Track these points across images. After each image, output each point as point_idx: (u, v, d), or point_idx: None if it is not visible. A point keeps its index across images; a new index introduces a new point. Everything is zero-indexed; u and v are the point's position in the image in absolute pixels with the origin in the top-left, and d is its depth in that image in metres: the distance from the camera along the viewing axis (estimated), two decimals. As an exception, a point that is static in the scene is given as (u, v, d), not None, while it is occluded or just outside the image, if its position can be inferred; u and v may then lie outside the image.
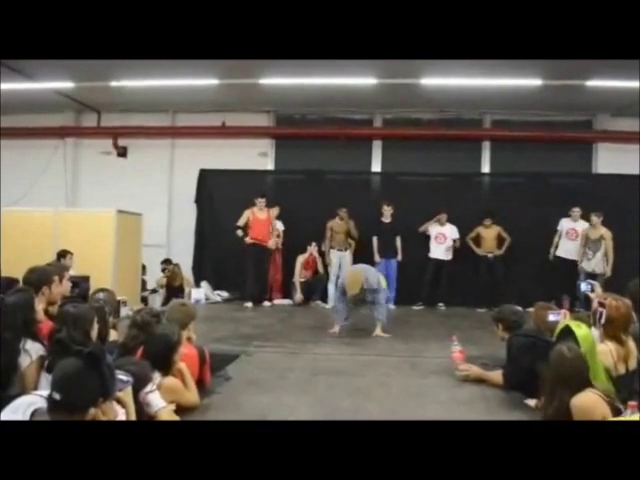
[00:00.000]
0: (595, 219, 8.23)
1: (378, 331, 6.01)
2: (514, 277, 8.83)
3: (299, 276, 8.95)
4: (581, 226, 8.52)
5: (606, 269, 8.09)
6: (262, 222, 8.54)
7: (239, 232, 8.38)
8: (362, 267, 6.39)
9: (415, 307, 8.67)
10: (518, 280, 8.75)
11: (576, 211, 8.54)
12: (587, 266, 8.26)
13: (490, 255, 8.86)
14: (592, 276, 8.06)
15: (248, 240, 8.36)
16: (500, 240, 8.92)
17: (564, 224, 8.69)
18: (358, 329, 6.35)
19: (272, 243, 8.65)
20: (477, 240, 8.98)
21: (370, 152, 10.20)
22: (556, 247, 8.69)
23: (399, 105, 9.76)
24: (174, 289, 8.74)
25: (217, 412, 3.28)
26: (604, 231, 8.19)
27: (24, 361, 2.83)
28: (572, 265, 8.43)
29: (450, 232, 8.94)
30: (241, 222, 8.44)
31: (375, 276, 6.15)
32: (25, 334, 2.91)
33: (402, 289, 8.64)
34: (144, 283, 8.80)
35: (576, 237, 8.53)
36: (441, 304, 8.84)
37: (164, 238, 10.21)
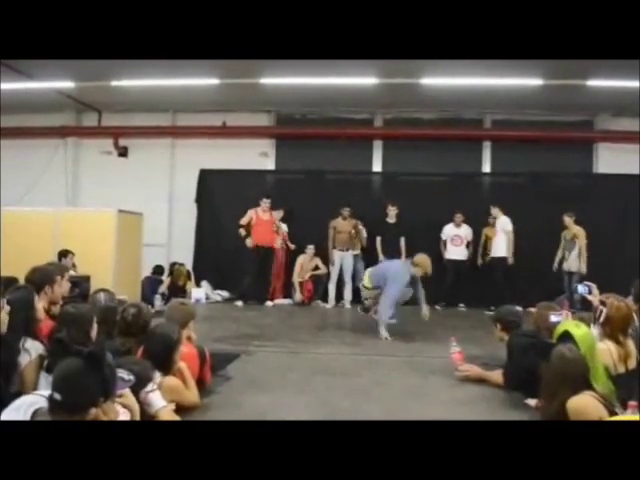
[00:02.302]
0: (567, 219, 8.27)
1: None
2: (514, 278, 8.82)
3: (299, 276, 8.96)
4: (501, 224, 8.56)
5: (580, 267, 8.06)
6: (265, 223, 8.58)
7: (242, 231, 8.44)
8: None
9: (437, 307, 8.65)
10: (518, 280, 8.73)
11: (495, 210, 8.67)
12: (565, 266, 8.28)
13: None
14: (570, 275, 8.11)
15: (249, 242, 8.42)
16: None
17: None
18: (357, 328, 6.36)
19: (278, 243, 8.74)
20: (485, 242, 9.00)
21: (371, 152, 10.22)
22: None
23: (399, 105, 9.77)
24: (177, 288, 8.75)
25: (217, 412, 3.28)
26: (577, 230, 8.21)
27: (23, 360, 2.82)
28: (502, 262, 8.52)
29: (465, 234, 8.98)
30: (244, 221, 8.50)
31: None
32: (25, 332, 2.90)
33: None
34: (160, 283, 8.80)
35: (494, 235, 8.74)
36: (462, 305, 8.79)
37: (165, 238, 10.23)
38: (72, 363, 1.96)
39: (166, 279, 9.01)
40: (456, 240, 8.97)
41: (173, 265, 9.33)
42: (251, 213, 8.56)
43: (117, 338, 3.28)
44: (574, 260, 8.15)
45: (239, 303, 8.44)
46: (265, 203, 8.58)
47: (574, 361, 2.82)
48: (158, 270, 8.90)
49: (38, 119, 10.27)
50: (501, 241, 8.54)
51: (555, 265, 8.39)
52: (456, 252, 8.96)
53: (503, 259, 8.52)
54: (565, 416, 2.69)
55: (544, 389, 2.95)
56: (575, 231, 8.20)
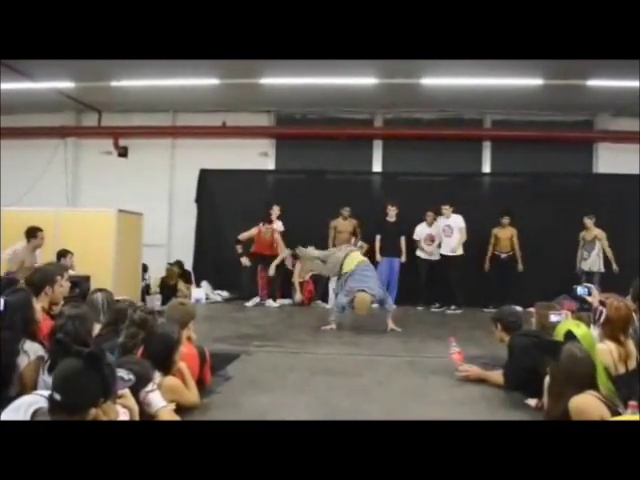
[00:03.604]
0: (588, 221, 8.45)
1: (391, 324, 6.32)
2: (515, 277, 8.82)
3: (298, 276, 8.95)
4: (454, 222, 8.64)
5: (601, 266, 8.37)
6: (266, 240, 8.63)
7: (238, 248, 8.53)
8: (369, 286, 6.32)
9: (418, 308, 8.65)
10: (519, 280, 8.72)
11: (447, 210, 8.71)
12: (584, 266, 8.49)
13: (503, 255, 8.85)
14: (590, 274, 8.27)
15: (245, 261, 8.54)
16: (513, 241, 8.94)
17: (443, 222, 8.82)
18: (357, 328, 6.36)
19: (280, 254, 8.75)
20: (495, 242, 8.99)
21: (371, 152, 10.21)
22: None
23: (399, 105, 9.76)
24: (168, 287, 8.76)
25: (217, 412, 3.28)
26: (598, 232, 8.47)
27: (22, 361, 2.82)
28: (456, 261, 8.62)
29: (436, 233, 8.90)
30: (242, 236, 8.57)
31: (377, 283, 6.44)
32: (24, 334, 2.90)
33: (403, 289, 8.64)
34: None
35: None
36: (449, 307, 8.63)
37: (165, 238, 10.22)
38: (72, 363, 1.96)
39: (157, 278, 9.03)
40: (428, 240, 8.94)
41: (177, 264, 9.37)
42: (254, 231, 8.61)
43: (126, 330, 3.25)
44: (595, 260, 8.41)
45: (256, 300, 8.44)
46: (267, 227, 8.62)
47: (583, 361, 2.83)
48: (142, 269, 8.86)
49: (38, 119, 10.26)
50: (455, 240, 8.61)
51: (578, 265, 8.54)
52: (429, 252, 8.91)
53: (456, 257, 8.59)
54: (570, 417, 2.69)
55: (551, 388, 2.95)
56: (596, 233, 8.46)
